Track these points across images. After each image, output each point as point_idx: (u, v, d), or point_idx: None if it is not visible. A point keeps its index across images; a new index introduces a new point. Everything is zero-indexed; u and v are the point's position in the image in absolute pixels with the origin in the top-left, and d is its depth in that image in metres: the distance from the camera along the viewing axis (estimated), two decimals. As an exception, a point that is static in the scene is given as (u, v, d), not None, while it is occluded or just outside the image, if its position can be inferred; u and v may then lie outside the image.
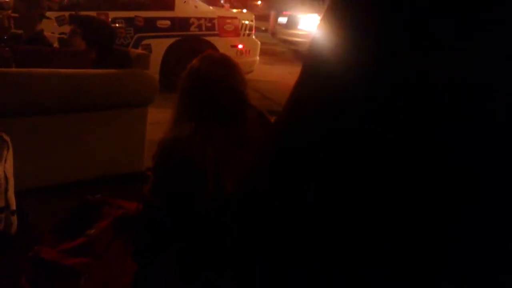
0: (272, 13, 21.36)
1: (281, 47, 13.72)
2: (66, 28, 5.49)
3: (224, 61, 1.64)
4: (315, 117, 0.42)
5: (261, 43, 7.38)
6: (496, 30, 0.35)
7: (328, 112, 0.42)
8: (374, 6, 0.41)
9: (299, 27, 10.02)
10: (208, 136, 1.47)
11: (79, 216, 1.88)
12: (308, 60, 0.48)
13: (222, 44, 6.35)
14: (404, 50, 0.38)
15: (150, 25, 6.14)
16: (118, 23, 5.83)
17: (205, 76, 1.54)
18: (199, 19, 6.45)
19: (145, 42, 6.06)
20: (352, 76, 0.40)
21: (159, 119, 4.09)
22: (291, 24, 10.32)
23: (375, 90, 0.38)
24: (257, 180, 0.48)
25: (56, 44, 3.72)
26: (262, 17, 20.79)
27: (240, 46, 6.63)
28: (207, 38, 6.48)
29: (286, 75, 7.97)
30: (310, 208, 0.39)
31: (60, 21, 5.72)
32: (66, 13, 5.71)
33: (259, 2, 29.86)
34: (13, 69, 2.80)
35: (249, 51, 6.67)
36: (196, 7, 6.59)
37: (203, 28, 6.49)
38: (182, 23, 6.36)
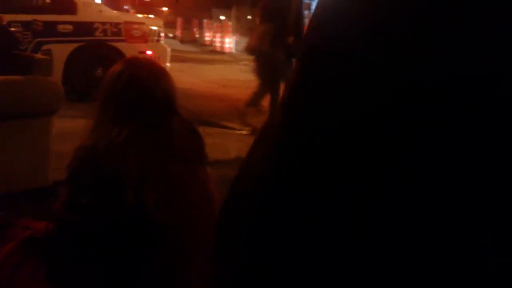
0: (179, 20, 21.39)
1: (191, 54, 13.69)
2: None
3: (153, 66, 1.60)
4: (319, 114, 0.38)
5: (170, 50, 7.26)
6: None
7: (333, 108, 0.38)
8: None
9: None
10: (131, 141, 1.41)
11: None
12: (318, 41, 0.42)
13: (129, 50, 6.15)
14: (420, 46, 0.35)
15: (50, 29, 5.82)
16: (15, 27, 5.43)
17: (135, 79, 1.49)
18: (104, 23, 6.23)
19: (45, 47, 5.74)
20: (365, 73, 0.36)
21: (64, 129, 3.85)
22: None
23: (390, 89, 0.35)
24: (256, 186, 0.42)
25: None
26: (170, 24, 20.69)
27: (149, 53, 6.47)
28: (113, 44, 6.28)
29: (199, 82, 7.93)
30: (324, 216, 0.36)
31: None
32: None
33: (165, 9, 29.63)
34: None
35: (158, 57, 6.53)
36: (100, 11, 6.37)
37: (109, 34, 6.29)
38: (85, 28, 6.12)
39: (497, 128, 0.32)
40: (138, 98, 1.47)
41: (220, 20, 19.16)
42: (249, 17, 20.99)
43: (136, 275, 1.38)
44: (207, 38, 18.88)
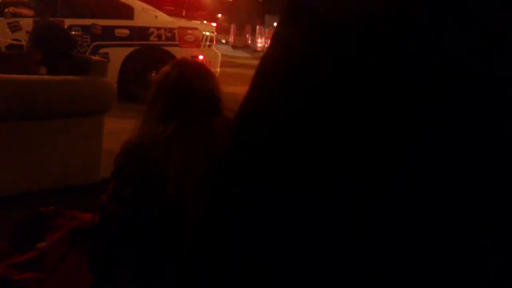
0: (233, 26, 21.66)
1: (242, 60, 13.81)
2: (19, 34, 5.33)
3: (200, 67, 1.68)
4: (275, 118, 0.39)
5: (222, 55, 7.36)
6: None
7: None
8: None
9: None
10: (175, 138, 1.47)
11: (29, 228, 1.78)
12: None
13: (182, 55, 6.29)
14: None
15: (108, 34, 6.04)
16: (75, 31, 5.69)
17: (182, 78, 1.56)
18: (158, 29, 6.40)
19: (102, 50, 5.95)
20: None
21: (116, 129, 3.99)
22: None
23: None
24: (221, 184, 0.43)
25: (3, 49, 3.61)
26: (223, 30, 21.01)
27: (200, 57, 6.59)
28: (167, 48, 6.43)
29: (247, 87, 7.97)
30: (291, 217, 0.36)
31: (12, 27, 5.54)
32: (19, 19, 5.56)
33: (219, 15, 30.08)
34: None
35: (209, 62, 6.64)
36: (156, 17, 6.55)
37: (163, 38, 6.45)
38: (141, 33, 6.30)
39: (497, 128, 0.32)
40: (184, 96, 1.53)
41: (273, 27, 19.28)
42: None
43: (163, 272, 1.41)
44: (259, 44, 19.06)
